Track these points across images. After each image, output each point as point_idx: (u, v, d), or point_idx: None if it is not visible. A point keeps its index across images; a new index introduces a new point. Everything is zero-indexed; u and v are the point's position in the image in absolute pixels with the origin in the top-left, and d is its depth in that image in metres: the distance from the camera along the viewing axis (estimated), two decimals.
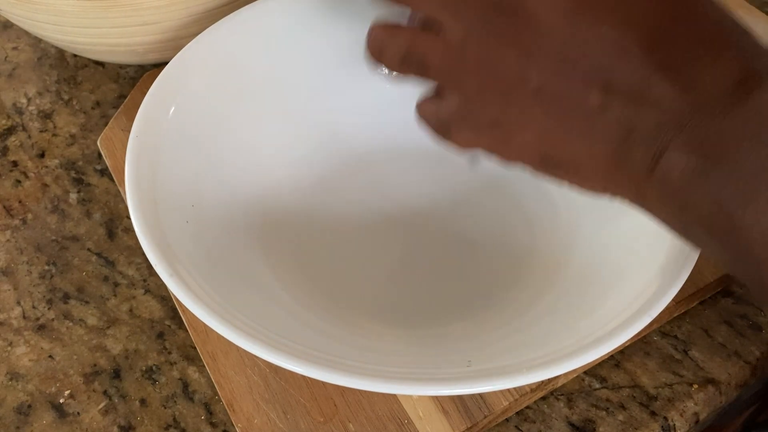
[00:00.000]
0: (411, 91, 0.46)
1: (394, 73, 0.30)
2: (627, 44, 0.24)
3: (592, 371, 0.39)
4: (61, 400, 0.39)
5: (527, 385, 0.36)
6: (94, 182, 0.48)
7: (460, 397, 0.36)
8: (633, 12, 0.24)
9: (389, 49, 0.29)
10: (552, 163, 0.27)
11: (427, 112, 0.30)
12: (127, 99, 0.50)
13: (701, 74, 0.24)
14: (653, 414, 0.37)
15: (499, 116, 0.27)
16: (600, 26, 0.24)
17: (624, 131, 0.25)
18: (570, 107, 0.25)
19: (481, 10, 0.26)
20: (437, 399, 0.36)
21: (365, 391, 0.36)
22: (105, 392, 0.39)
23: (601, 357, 0.36)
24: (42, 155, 0.50)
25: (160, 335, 0.41)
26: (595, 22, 0.24)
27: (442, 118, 0.29)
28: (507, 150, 0.28)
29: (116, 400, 0.39)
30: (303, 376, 0.36)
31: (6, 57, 0.57)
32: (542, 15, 0.25)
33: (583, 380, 0.38)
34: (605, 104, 0.25)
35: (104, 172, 0.49)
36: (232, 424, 0.36)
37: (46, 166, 0.49)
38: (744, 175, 0.22)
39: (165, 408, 0.38)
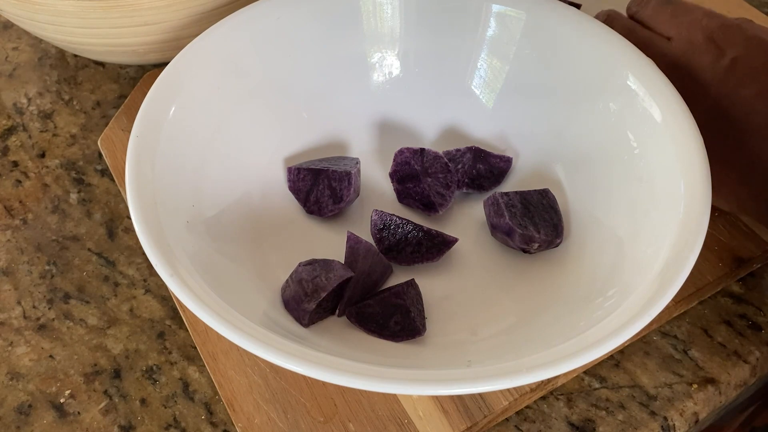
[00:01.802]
0: (407, 96, 0.47)
1: None
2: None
3: (592, 371, 0.39)
4: (62, 400, 0.39)
5: (527, 385, 0.36)
6: (94, 182, 0.48)
7: (460, 397, 0.36)
8: None
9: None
10: None
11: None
12: (127, 99, 0.50)
13: None
14: (653, 414, 0.37)
15: None
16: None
17: None
18: (717, 146, 0.38)
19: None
20: (437, 399, 0.36)
21: (365, 391, 0.36)
22: (105, 392, 0.39)
23: (601, 357, 0.36)
24: (42, 155, 0.50)
25: (161, 335, 0.41)
26: None
27: None
28: None
29: (117, 400, 0.39)
30: (303, 376, 0.36)
31: (6, 57, 0.57)
32: (702, 79, 0.39)
33: (582, 380, 0.38)
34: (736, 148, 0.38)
35: (104, 172, 0.49)
36: (233, 424, 0.36)
37: (47, 166, 0.49)
38: None
39: (165, 408, 0.38)
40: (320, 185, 0.41)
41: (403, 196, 0.43)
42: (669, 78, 0.38)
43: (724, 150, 0.38)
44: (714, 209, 0.43)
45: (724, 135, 0.38)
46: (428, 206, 0.42)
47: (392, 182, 0.43)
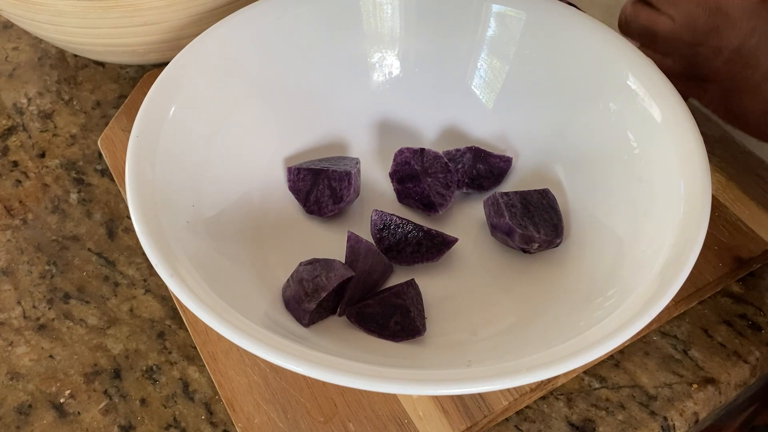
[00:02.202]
0: (407, 96, 0.47)
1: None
2: None
3: (592, 371, 0.39)
4: (62, 400, 0.39)
5: (527, 385, 0.36)
6: (94, 182, 0.48)
7: (460, 397, 0.36)
8: None
9: (633, 25, 0.42)
10: (731, 115, 0.41)
11: (656, 60, 0.42)
12: (127, 99, 0.50)
13: None
14: (653, 414, 0.37)
15: (701, 76, 0.41)
16: None
17: None
18: (744, 78, 0.39)
19: (693, 7, 0.39)
20: (437, 399, 0.36)
21: (365, 391, 0.36)
22: (105, 392, 0.39)
23: (601, 357, 0.36)
24: (42, 155, 0.50)
25: (161, 335, 0.41)
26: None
27: (665, 68, 0.41)
28: (702, 98, 0.42)
29: (116, 400, 0.39)
30: (303, 376, 0.36)
31: (6, 57, 0.57)
32: (733, 14, 0.38)
33: (582, 380, 0.38)
34: (764, 80, 0.39)
35: (104, 172, 0.49)
36: (233, 424, 0.36)
37: (47, 166, 0.49)
38: None
39: (165, 408, 0.38)
40: (320, 185, 0.42)
41: (403, 196, 0.43)
42: (699, 12, 0.40)
43: (752, 81, 0.40)
44: (714, 209, 0.43)
45: (752, 67, 0.40)
46: (428, 206, 0.42)
47: (392, 182, 0.43)
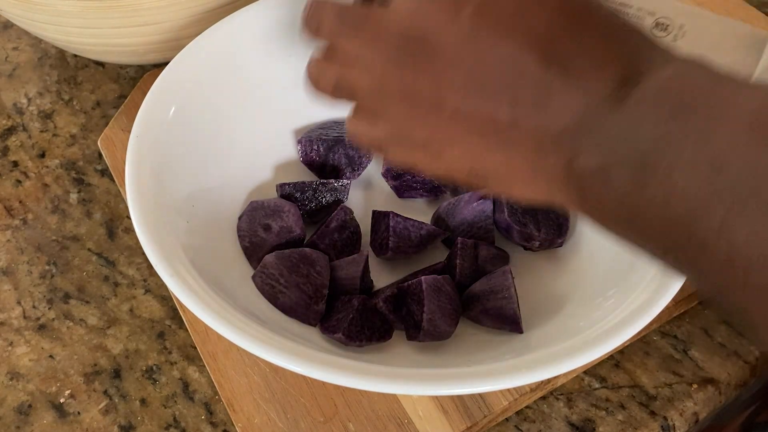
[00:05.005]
0: None
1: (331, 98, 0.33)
2: (526, 61, 0.26)
3: (592, 371, 0.39)
4: (62, 400, 0.39)
5: (527, 385, 0.36)
6: (94, 182, 0.48)
7: (460, 397, 0.36)
8: (529, 29, 0.27)
9: (323, 80, 0.32)
10: (478, 175, 0.29)
11: (359, 132, 0.32)
12: (127, 99, 0.50)
13: (591, 81, 0.26)
14: (653, 414, 0.37)
15: (426, 138, 0.29)
16: (499, 48, 0.27)
17: (535, 141, 0.26)
18: (485, 125, 0.27)
19: (394, 45, 0.29)
20: (437, 399, 0.36)
21: (365, 391, 0.36)
22: (105, 392, 0.39)
23: (601, 357, 0.36)
24: (42, 155, 0.50)
25: (161, 335, 0.41)
26: (494, 45, 0.27)
27: (375, 139, 0.31)
28: (438, 166, 0.30)
29: (116, 400, 0.39)
30: (303, 376, 0.36)
31: (6, 57, 0.57)
32: (446, 44, 0.27)
33: (582, 380, 0.38)
34: (514, 118, 0.27)
35: (104, 172, 0.49)
36: (233, 424, 0.36)
37: (47, 166, 0.49)
38: (632, 165, 0.24)
39: (165, 408, 0.38)
40: (337, 153, 0.43)
41: (402, 191, 0.43)
42: (400, 53, 0.29)
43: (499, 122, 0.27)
44: None
45: (496, 101, 0.27)
46: (434, 190, 0.42)
47: (387, 180, 0.43)
